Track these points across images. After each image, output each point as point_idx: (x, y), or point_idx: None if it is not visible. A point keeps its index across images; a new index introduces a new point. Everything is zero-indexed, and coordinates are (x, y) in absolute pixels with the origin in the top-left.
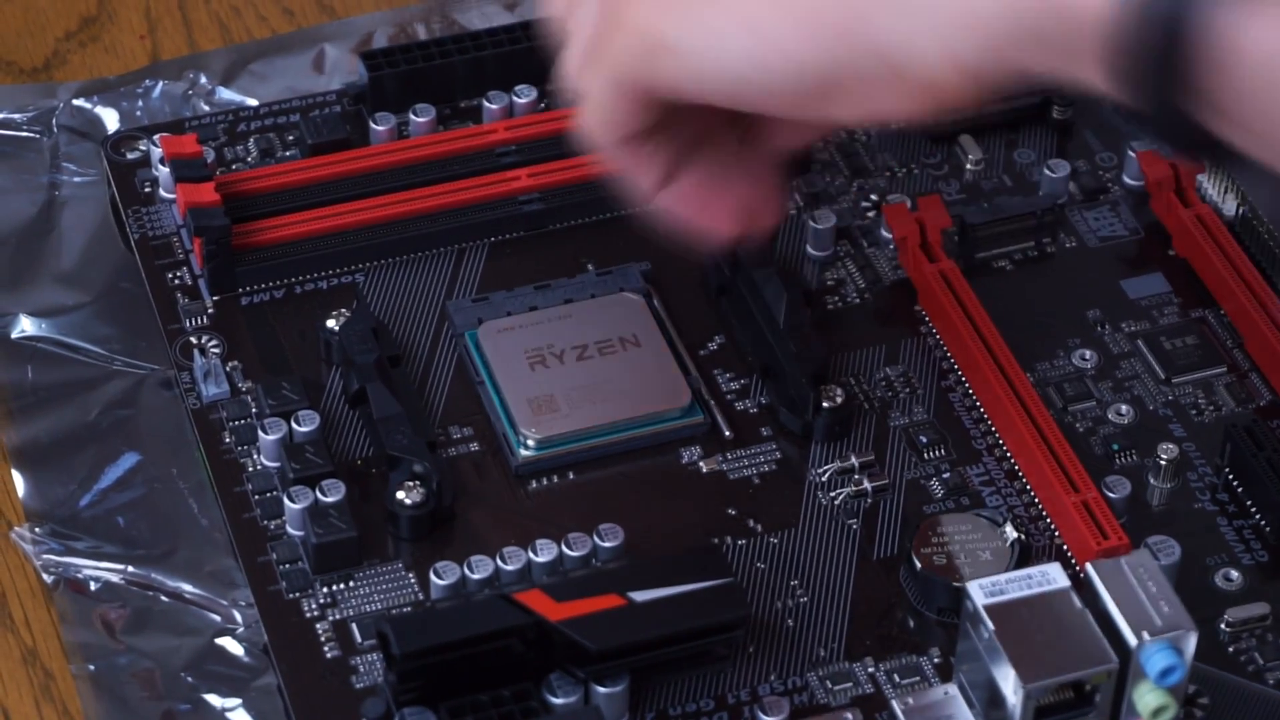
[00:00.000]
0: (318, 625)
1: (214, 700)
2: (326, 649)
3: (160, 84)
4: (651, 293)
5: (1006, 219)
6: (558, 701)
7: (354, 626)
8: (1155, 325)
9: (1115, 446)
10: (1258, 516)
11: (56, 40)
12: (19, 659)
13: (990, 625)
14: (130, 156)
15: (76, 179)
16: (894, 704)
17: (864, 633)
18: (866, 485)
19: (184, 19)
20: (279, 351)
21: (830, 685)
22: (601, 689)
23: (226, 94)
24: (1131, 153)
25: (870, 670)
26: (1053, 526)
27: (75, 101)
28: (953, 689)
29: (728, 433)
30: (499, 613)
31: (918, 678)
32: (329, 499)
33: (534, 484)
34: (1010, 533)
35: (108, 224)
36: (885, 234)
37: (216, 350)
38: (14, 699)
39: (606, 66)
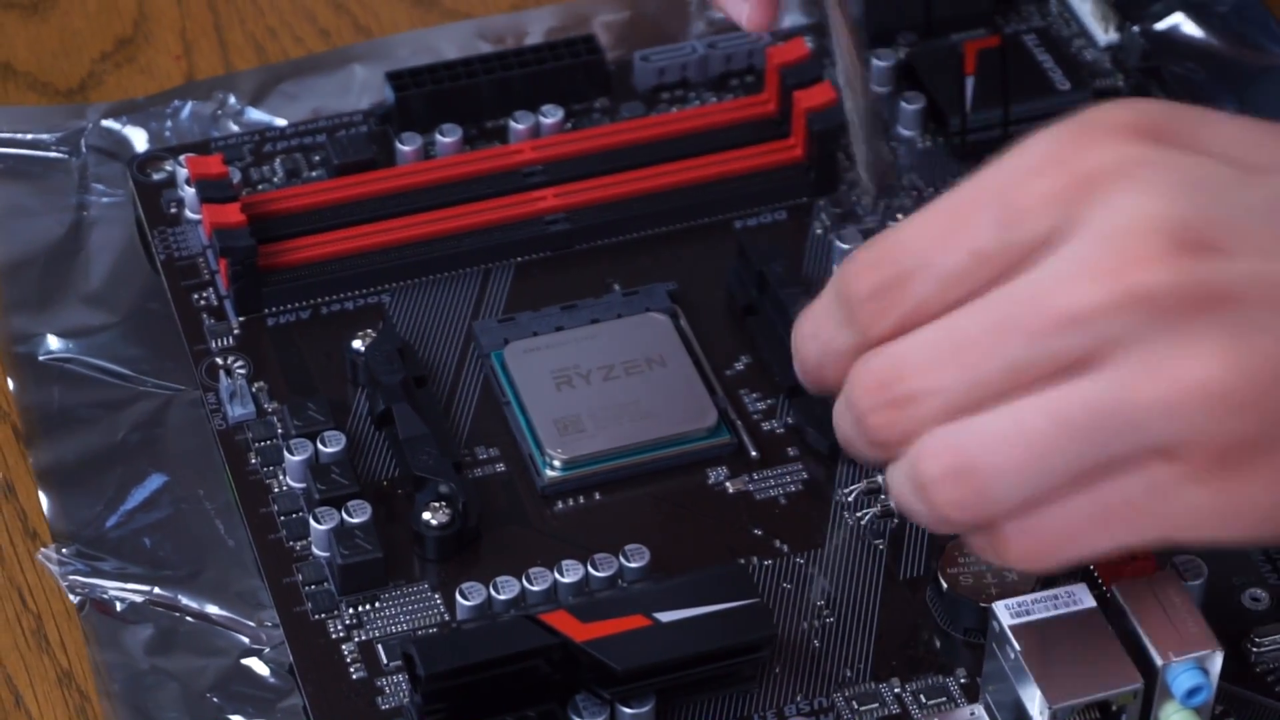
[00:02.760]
0: (343, 646)
1: None
2: (352, 670)
3: (189, 104)
4: (678, 313)
5: None
6: None
7: (379, 647)
8: None
9: None
10: None
11: (92, 61)
12: (54, 680)
13: (1017, 645)
14: (156, 177)
15: (104, 200)
16: None
17: (890, 653)
18: (893, 505)
19: (219, 40)
20: (305, 372)
21: (856, 706)
22: (627, 710)
23: (255, 114)
24: None
25: (896, 691)
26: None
27: (104, 122)
28: (979, 709)
29: (754, 453)
30: (524, 633)
31: (944, 698)
32: (355, 520)
33: (560, 504)
34: None
35: (135, 244)
36: None
37: (242, 371)
38: None
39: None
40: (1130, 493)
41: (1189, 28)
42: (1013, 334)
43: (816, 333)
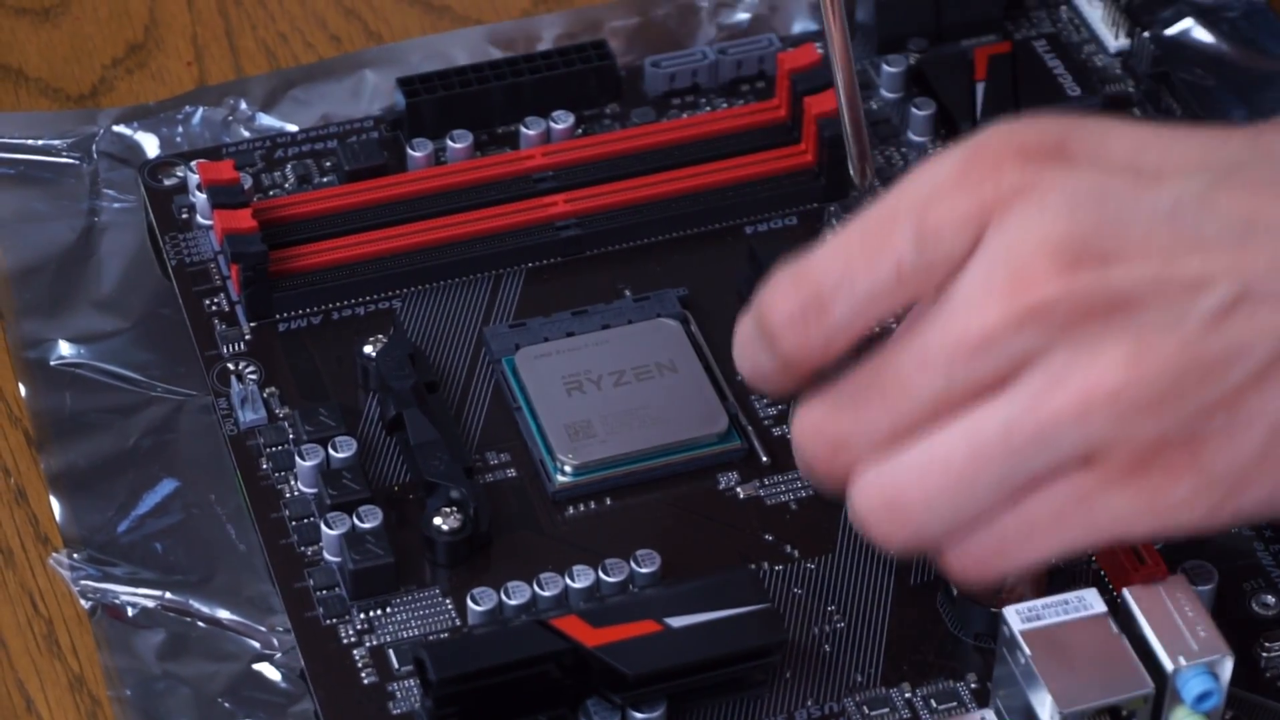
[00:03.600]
0: (355, 651)
1: None
2: (363, 675)
3: (200, 110)
4: (689, 318)
5: None
6: None
7: (391, 652)
8: None
9: None
10: None
11: (104, 67)
12: (66, 686)
13: (1027, 650)
14: (167, 183)
15: (116, 205)
16: None
17: (901, 658)
18: None
19: (231, 46)
20: (316, 378)
21: (867, 711)
22: (638, 715)
23: (267, 120)
24: None
25: (907, 696)
26: (1089, 552)
27: (115, 128)
28: (989, 714)
29: (765, 458)
30: (535, 639)
31: (954, 703)
32: (366, 525)
33: (571, 510)
34: None
35: (146, 250)
36: None
37: (254, 376)
38: None
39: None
40: (1056, 504)
41: (1199, 33)
42: (928, 367)
43: (744, 354)
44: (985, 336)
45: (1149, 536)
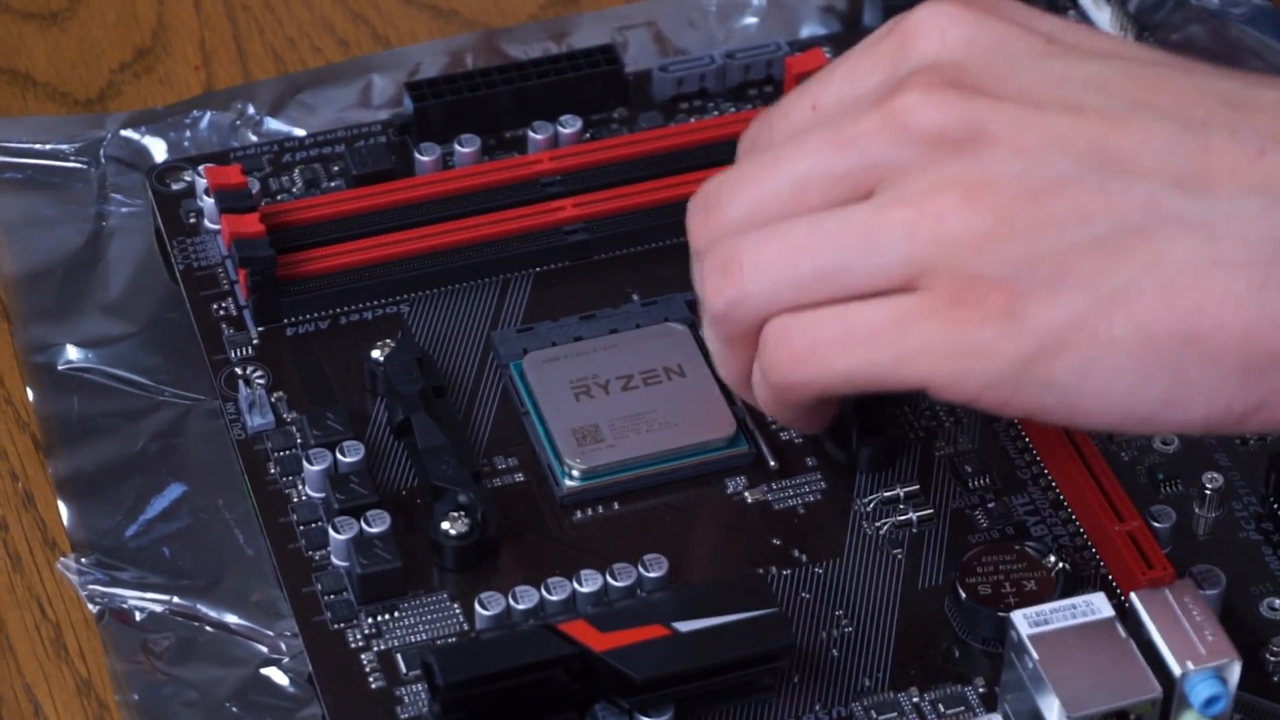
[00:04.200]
0: (362, 656)
1: None
2: (371, 679)
3: (208, 114)
4: (697, 323)
5: None
6: None
7: (398, 657)
8: None
9: (1160, 476)
10: None
11: (111, 71)
12: (73, 690)
13: (1035, 655)
14: (175, 187)
15: (123, 209)
16: None
17: (909, 663)
18: (911, 515)
19: (239, 50)
20: (324, 382)
21: (875, 715)
22: (646, 719)
23: (274, 124)
24: None
25: (915, 700)
26: (1097, 556)
27: (123, 132)
28: (997, 719)
29: (773, 463)
30: (543, 643)
31: (962, 708)
32: (374, 529)
33: (579, 514)
34: (1055, 562)
35: (154, 254)
36: None
37: (261, 381)
38: None
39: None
40: (875, 319)
41: (1205, 36)
42: (800, 148)
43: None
44: (853, 134)
45: (952, 380)
